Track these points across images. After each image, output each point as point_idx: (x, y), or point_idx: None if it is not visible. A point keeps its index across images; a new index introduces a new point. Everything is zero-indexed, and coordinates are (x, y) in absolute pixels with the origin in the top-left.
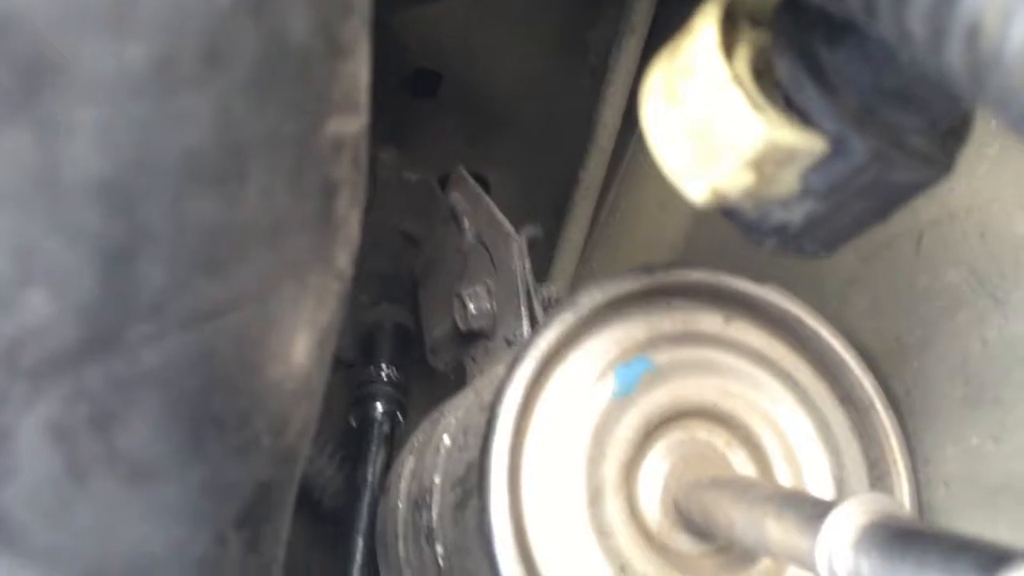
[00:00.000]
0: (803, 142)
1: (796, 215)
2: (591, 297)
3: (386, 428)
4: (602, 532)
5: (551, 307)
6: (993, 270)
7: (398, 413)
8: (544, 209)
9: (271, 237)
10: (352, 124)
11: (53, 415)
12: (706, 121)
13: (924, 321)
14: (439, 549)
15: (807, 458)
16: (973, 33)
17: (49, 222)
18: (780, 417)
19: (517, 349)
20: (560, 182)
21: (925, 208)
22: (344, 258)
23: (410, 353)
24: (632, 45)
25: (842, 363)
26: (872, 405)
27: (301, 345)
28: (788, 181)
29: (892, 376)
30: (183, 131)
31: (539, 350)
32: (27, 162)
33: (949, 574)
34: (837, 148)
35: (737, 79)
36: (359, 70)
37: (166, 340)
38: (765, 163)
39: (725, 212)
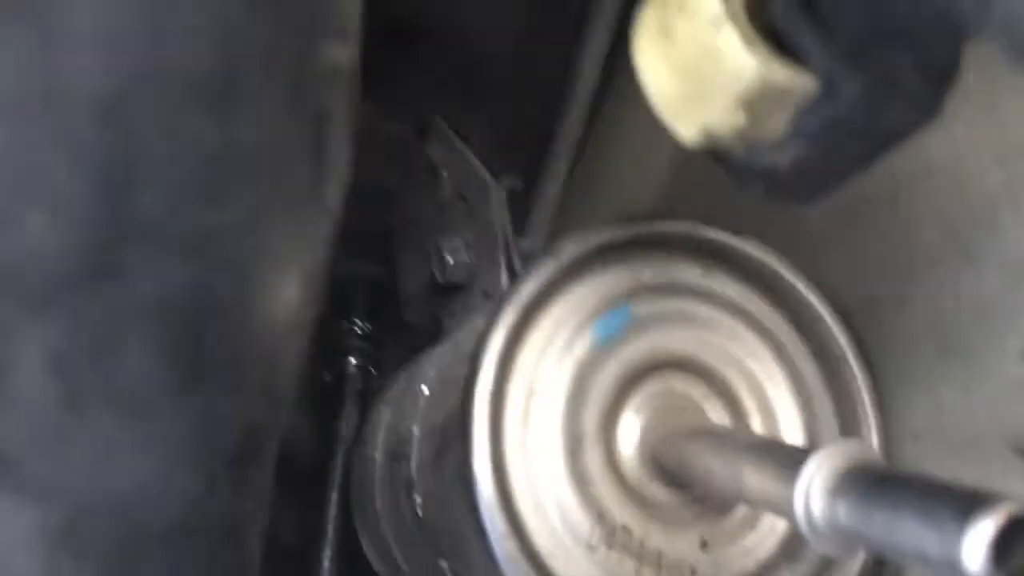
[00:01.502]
0: (796, 81)
1: (785, 158)
2: (573, 247)
3: (360, 383)
4: (581, 481)
5: (530, 259)
6: (968, 226)
7: (371, 368)
8: (521, 161)
9: (266, 164)
10: (345, 51)
11: (53, 344)
12: (698, 58)
13: (898, 278)
14: (417, 499)
15: (781, 410)
16: None
17: (50, 137)
18: (756, 370)
19: (498, 298)
20: (537, 134)
21: (902, 164)
22: (334, 195)
23: (384, 307)
24: None
25: (817, 317)
26: (845, 359)
27: (292, 282)
28: (779, 121)
29: (865, 331)
30: (183, 43)
31: (521, 299)
32: (29, 69)
33: (924, 517)
34: (829, 88)
35: (731, 15)
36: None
37: (163, 267)
38: (757, 102)
39: (713, 154)
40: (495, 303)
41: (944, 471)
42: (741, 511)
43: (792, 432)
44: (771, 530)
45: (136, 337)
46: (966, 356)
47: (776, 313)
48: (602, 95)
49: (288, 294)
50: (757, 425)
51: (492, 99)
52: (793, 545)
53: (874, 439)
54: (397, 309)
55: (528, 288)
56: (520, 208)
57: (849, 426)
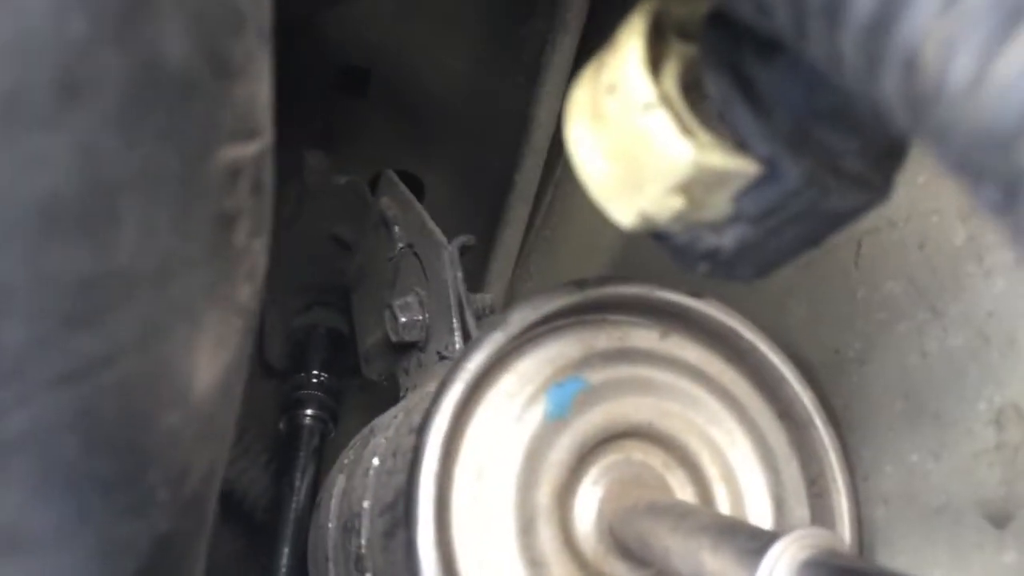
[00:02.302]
0: (734, 165)
1: (727, 240)
2: (522, 315)
3: (316, 435)
4: (535, 563)
5: (485, 318)
6: (932, 281)
7: (329, 420)
8: (479, 210)
9: (155, 281)
10: (249, 148)
11: None
12: (632, 144)
13: (863, 333)
14: None
15: (745, 477)
16: (910, 64)
17: None
18: (718, 436)
19: (445, 371)
20: (495, 183)
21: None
22: (247, 291)
23: (343, 359)
24: (566, 43)
25: (780, 378)
26: (811, 421)
27: (200, 388)
28: (719, 205)
29: (830, 389)
30: (36, 176)
31: (468, 373)
32: None
33: None
34: (770, 172)
35: (664, 99)
36: (256, 90)
37: (37, 402)
38: (694, 187)
39: (654, 236)
40: (441, 377)
41: (915, 538)
42: None
43: (758, 499)
44: None
45: (11, 477)
46: (936, 419)
47: (738, 375)
48: (560, 142)
49: (195, 402)
50: (721, 493)
51: (448, 147)
52: None
53: (843, 504)
54: (357, 362)
55: (475, 361)
56: (478, 257)
57: (817, 490)
